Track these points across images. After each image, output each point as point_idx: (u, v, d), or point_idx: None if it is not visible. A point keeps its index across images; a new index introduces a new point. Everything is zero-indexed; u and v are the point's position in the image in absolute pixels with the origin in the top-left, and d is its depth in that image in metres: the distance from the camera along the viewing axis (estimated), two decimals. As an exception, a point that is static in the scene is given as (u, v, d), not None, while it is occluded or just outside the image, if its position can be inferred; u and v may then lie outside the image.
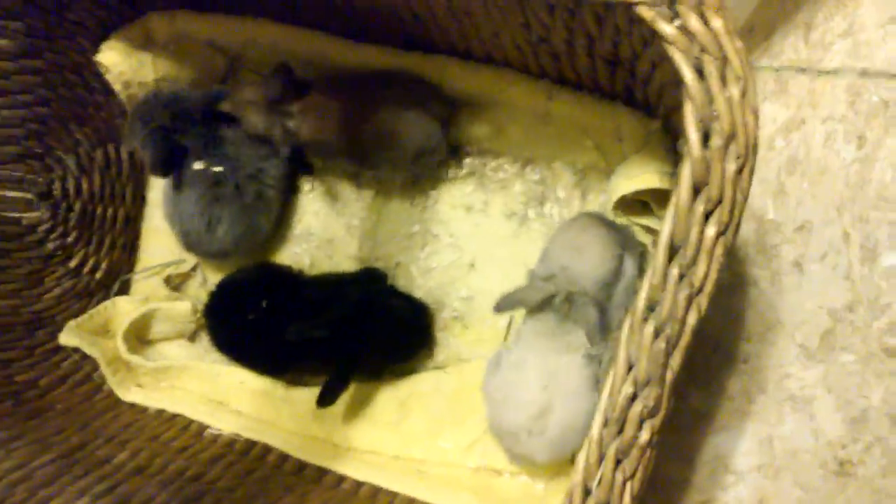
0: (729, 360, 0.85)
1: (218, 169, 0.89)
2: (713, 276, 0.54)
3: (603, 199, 0.87)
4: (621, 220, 0.81)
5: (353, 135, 0.87)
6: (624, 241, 0.77)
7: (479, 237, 0.91)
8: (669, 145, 0.78)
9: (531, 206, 0.90)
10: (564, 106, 0.84)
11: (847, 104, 0.84)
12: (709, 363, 0.85)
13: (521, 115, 0.87)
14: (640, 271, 0.76)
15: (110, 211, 0.99)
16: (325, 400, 0.83)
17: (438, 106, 0.87)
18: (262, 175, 0.92)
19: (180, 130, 0.89)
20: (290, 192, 0.98)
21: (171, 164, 0.89)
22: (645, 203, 0.81)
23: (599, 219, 0.79)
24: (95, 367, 0.95)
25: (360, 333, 0.86)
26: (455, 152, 0.92)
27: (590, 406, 0.72)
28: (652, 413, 0.55)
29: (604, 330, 0.74)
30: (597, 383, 0.75)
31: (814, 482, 0.82)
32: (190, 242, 0.93)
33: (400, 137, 0.86)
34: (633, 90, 0.78)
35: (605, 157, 0.86)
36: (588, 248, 0.75)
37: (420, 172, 0.92)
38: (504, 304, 0.77)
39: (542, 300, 0.75)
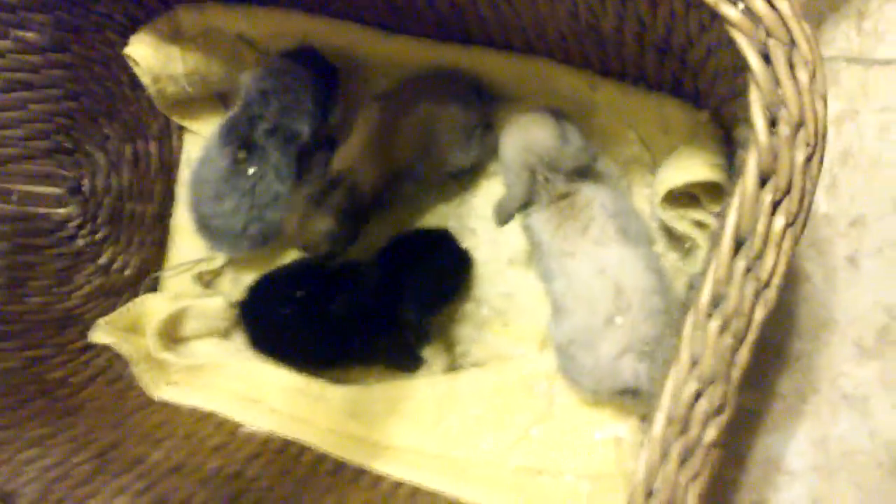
0: (781, 359, 0.82)
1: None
2: (781, 269, 0.52)
3: (647, 192, 0.85)
4: (669, 213, 0.79)
5: (387, 153, 0.85)
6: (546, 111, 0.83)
7: (518, 232, 0.89)
8: (720, 137, 0.76)
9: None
10: (608, 97, 0.82)
11: (902, 94, 0.81)
12: (760, 361, 0.82)
13: (563, 106, 0.84)
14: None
15: (139, 207, 0.98)
16: (412, 363, 0.87)
17: (476, 105, 0.85)
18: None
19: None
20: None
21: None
22: (693, 196, 0.78)
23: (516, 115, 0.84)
24: (127, 365, 0.94)
25: (402, 286, 0.86)
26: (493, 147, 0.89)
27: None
28: (718, 411, 0.52)
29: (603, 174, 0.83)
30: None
31: (871, 483, 0.80)
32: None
33: (438, 142, 0.84)
34: (681, 80, 0.76)
35: (650, 150, 0.83)
36: (526, 125, 0.82)
37: (460, 173, 0.90)
38: (501, 214, 0.83)
39: (528, 185, 0.80)
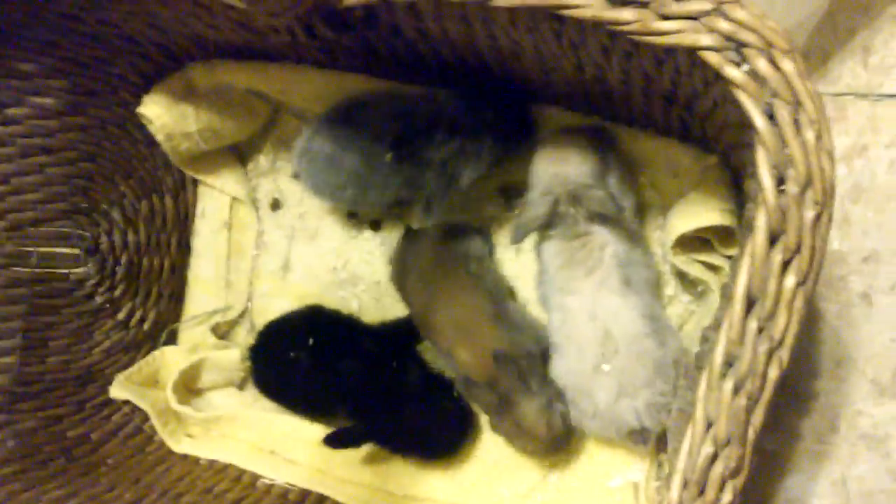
0: (798, 399, 0.82)
1: None
2: (794, 328, 0.52)
3: (659, 235, 0.85)
4: (680, 258, 0.79)
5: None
6: (596, 136, 0.81)
7: (531, 277, 0.89)
8: (728, 181, 0.76)
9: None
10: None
11: (911, 129, 0.81)
12: (777, 402, 0.82)
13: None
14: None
15: (156, 261, 0.98)
16: (331, 441, 0.84)
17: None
18: None
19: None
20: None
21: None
22: (705, 239, 0.78)
23: (565, 128, 0.83)
24: (146, 419, 0.94)
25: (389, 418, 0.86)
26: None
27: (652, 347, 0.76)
28: (734, 473, 0.52)
29: (623, 223, 0.79)
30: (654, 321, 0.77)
31: (893, 525, 0.79)
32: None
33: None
34: (688, 125, 0.76)
35: (661, 193, 0.83)
36: (568, 150, 0.79)
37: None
38: (518, 233, 0.81)
39: (549, 210, 0.79)
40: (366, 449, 0.88)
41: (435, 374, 0.90)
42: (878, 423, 0.80)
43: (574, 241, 0.80)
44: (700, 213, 0.75)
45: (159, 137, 0.92)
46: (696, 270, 0.79)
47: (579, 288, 0.79)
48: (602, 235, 0.79)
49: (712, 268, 0.79)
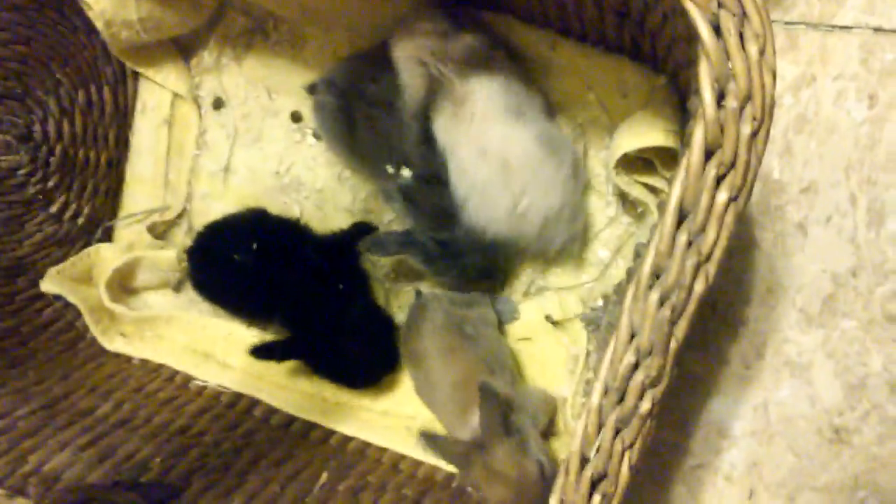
0: (727, 323, 0.84)
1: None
2: (723, 243, 0.52)
3: (604, 154, 0.85)
4: (623, 178, 0.79)
5: None
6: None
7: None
8: (676, 102, 0.75)
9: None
10: (567, 57, 0.81)
11: (860, 62, 0.81)
12: (706, 325, 0.83)
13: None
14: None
15: (92, 155, 0.96)
16: (257, 353, 0.83)
17: None
18: None
19: None
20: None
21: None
22: (648, 161, 0.78)
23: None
24: (78, 315, 0.93)
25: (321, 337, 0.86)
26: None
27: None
28: (654, 383, 0.53)
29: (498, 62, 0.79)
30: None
31: (808, 449, 0.82)
32: None
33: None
34: (639, 44, 0.75)
35: (608, 112, 0.83)
36: (415, 24, 0.78)
37: None
38: (406, 111, 0.80)
39: (423, 80, 0.77)
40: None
41: (376, 307, 0.90)
42: (803, 351, 0.82)
43: (453, 97, 0.79)
44: (645, 133, 0.75)
45: (98, 24, 0.88)
46: (637, 191, 0.79)
47: (463, 135, 0.79)
48: (478, 79, 0.78)
49: (654, 190, 0.79)
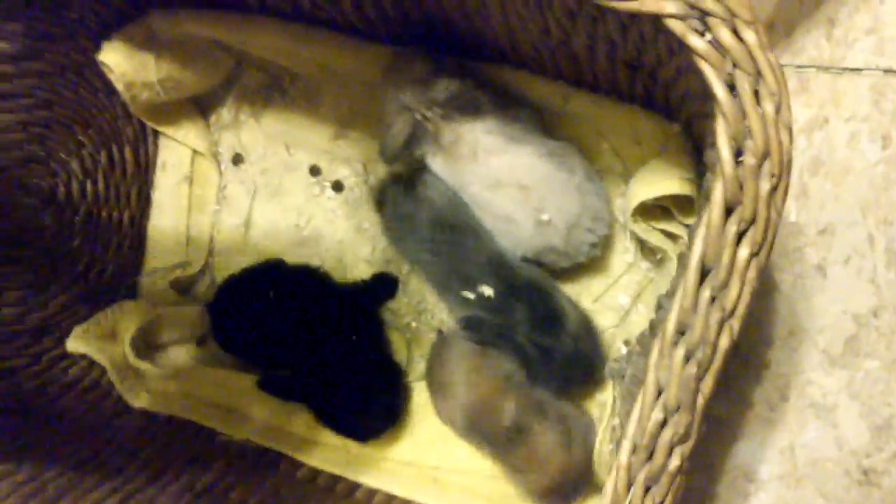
0: (750, 367, 0.84)
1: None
2: (746, 298, 0.52)
3: (620, 202, 0.85)
4: (640, 225, 0.80)
5: None
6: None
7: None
8: (690, 150, 0.76)
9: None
10: (581, 107, 0.82)
11: (871, 103, 0.82)
12: (728, 369, 0.83)
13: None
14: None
15: (115, 213, 0.97)
16: (262, 384, 0.87)
17: None
18: None
19: None
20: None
21: None
22: (665, 208, 0.79)
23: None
24: (103, 373, 0.93)
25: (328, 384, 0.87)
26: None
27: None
28: (682, 440, 0.53)
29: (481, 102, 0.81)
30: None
31: (837, 492, 0.81)
32: None
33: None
34: (652, 93, 0.76)
35: (623, 161, 0.84)
36: (397, 70, 0.81)
37: None
38: (384, 151, 0.82)
39: (407, 123, 0.79)
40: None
41: (385, 360, 0.90)
42: (827, 392, 0.82)
43: (449, 144, 0.80)
44: (661, 181, 0.76)
45: (119, 86, 0.90)
46: (655, 238, 0.80)
47: (471, 173, 0.81)
48: (469, 124, 0.80)
49: (671, 236, 0.80)
